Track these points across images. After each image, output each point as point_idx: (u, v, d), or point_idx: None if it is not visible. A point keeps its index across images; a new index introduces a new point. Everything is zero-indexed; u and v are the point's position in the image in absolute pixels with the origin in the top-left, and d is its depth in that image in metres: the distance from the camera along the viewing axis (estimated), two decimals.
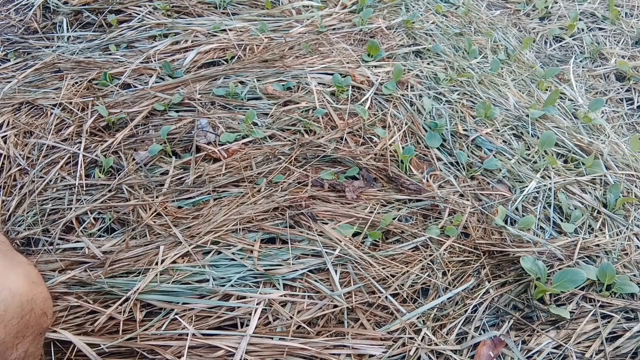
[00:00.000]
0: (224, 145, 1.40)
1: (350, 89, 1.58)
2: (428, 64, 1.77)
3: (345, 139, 1.42)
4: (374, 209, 1.23)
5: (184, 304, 1.02)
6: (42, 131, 1.48)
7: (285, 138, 1.43)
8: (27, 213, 1.26)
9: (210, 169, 1.34)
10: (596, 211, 1.30)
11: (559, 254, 1.15)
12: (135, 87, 1.63)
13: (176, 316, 1.00)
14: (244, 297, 1.04)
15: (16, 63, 1.79)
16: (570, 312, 1.05)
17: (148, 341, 0.96)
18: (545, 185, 1.33)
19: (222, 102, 1.54)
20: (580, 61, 2.07)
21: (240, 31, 1.86)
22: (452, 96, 1.60)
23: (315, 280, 1.08)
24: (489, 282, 1.11)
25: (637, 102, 1.89)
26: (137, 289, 1.03)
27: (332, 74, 1.63)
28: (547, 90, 1.82)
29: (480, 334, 1.02)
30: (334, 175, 1.32)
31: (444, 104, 1.57)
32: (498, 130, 1.51)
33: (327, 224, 1.18)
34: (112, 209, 1.26)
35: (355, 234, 1.18)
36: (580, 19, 2.26)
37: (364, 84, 1.61)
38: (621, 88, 1.95)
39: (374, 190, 1.30)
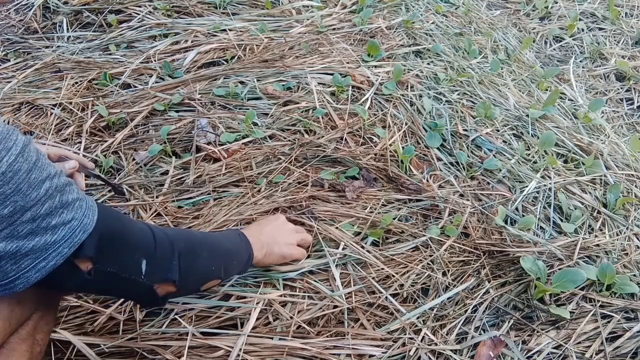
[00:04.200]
0: (224, 145, 1.40)
1: (350, 89, 1.58)
2: (428, 64, 1.77)
3: (345, 139, 1.42)
4: (374, 209, 1.23)
5: (184, 303, 1.02)
6: (42, 131, 1.48)
7: (285, 138, 1.43)
8: None
9: (210, 169, 1.34)
10: (596, 211, 1.30)
11: (559, 254, 1.15)
12: (135, 87, 1.63)
13: (176, 316, 1.00)
14: (244, 297, 1.04)
15: (16, 63, 1.79)
16: (570, 312, 1.05)
17: (148, 341, 0.96)
18: (545, 185, 1.33)
19: (222, 102, 1.54)
20: (580, 61, 2.07)
21: (240, 31, 1.85)
22: (452, 96, 1.60)
23: (315, 281, 1.08)
24: (489, 282, 1.11)
25: (637, 102, 1.89)
26: None
27: (332, 74, 1.63)
28: (547, 90, 1.82)
29: (480, 334, 1.02)
30: (334, 175, 1.32)
31: (444, 104, 1.57)
32: (498, 130, 1.51)
33: (330, 225, 1.18)
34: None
35: (355, 234, 1.18)
36: (580, 19, 2.26)
37: (364, 84, 1.61)
38: (621, 88, 1.95)
39: (374, 190, 1.30)
